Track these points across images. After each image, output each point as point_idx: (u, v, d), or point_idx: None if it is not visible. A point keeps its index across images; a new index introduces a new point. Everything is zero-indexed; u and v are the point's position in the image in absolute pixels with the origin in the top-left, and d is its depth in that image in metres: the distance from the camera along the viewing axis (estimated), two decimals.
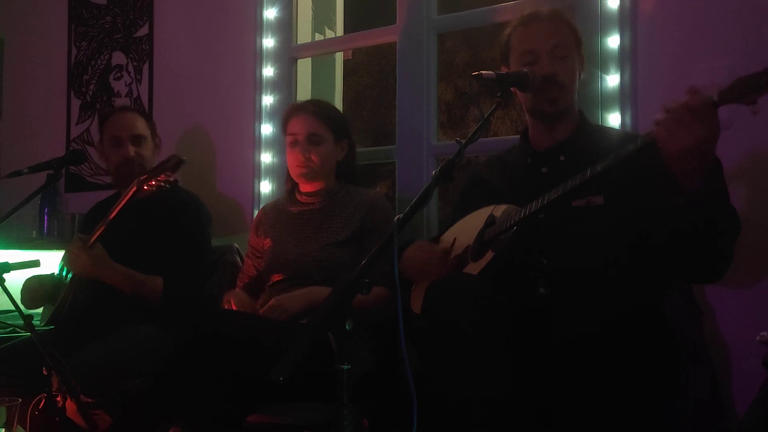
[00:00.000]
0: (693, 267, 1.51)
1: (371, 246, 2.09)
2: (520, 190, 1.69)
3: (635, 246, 1.58)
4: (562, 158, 1.76)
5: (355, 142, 2.34)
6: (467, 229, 1.78)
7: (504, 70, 1.82)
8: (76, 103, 3.47)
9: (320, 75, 3.36)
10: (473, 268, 1.68)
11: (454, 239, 1.82)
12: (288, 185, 2.37)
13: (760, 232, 1.88)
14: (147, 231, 2.41)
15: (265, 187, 2.84)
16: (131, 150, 2.48)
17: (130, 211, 2.25)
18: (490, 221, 1.71)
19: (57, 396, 1.80)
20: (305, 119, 2.22)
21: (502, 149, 2.01)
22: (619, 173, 1.51)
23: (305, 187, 2.29)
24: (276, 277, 2.21)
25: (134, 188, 2.19)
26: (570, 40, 1.77)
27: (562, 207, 1.61)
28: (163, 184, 2.16)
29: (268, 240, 2.29)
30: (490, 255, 1.65)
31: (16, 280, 2.06)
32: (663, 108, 1.36)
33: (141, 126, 2.54)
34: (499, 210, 1.70)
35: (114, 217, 2.20)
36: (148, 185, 2.17)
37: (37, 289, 2.38)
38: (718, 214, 1.41)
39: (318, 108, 2.26)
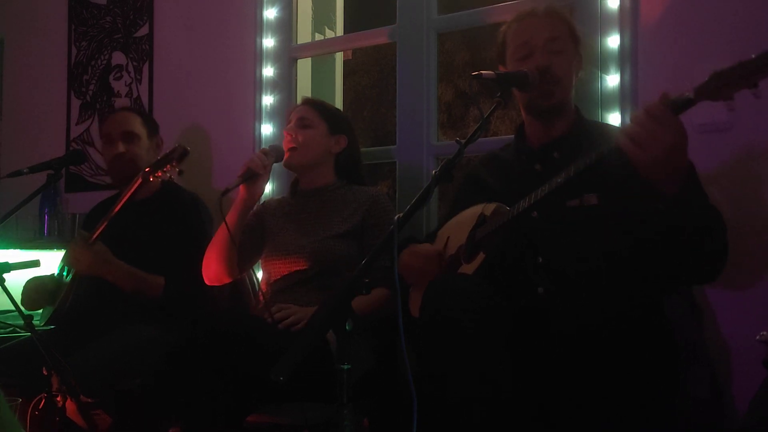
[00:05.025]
0: (686, 267, 1.51)
1: (371, 241, 2.10)
2: (514, 188, 1.68)
3: (631, 245, 1.58)
4: (556, 155, 1.75)
5: (356, 141, 2.34)
6: (460, 227, 1.78)
7: (501, 69, 1.82)
8: (76, 103, 3.47)
9: (320, 75, 3.35)
10: (467, 269, 1.68)
11: (447, 238, 1.81)
12: (292, 180, 2.38)
13: (760, 232, 1.88)
14: (148, 230, 2.41)
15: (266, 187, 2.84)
16: (121, 147, 2.49)
17: (132, 211, 2.26)
18: (481, 220, 1.70)
19: (57, 396, 1.80)
20: (299, 108, 2.30)
21: (497, 146, 2.01)
22: (613, 171, 1.51)
23: (306, 183, 2.30)
24: (275, 271, 2.21)
25: (140, 180, 2.18)
26: (566, 36, 1.76)
27: (555, 206, 1.61)
28: (169, 175, 2.15)
29: (267, 230, 2.29)
30: (482, 256, 1.65)
31: (16, 280, 2.06)
32: (631, 119, 1.35)
33: (134, 124, 2.54)
34: (489, 209, 1.69)
35: (115, 216, 2.20)
36: (154, 176, 2.16)
37: (38, 290, 2.39)
38: (699, 215, 1.41)
39: (314, 100, 2.34)
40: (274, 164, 2.19)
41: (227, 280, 2.25)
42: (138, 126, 2.55)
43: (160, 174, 2.15)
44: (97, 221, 2.28)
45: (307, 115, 2.25)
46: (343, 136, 2.28)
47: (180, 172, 2.16)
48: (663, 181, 1.38)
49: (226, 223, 2.07)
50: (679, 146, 1.33)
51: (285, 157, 2.22)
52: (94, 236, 2.21)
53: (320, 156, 2.25)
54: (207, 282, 2.25)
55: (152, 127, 2.62)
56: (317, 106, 2.29)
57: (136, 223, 2.39)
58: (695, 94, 1.28)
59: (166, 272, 2.33)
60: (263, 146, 2.85)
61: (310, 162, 2.24)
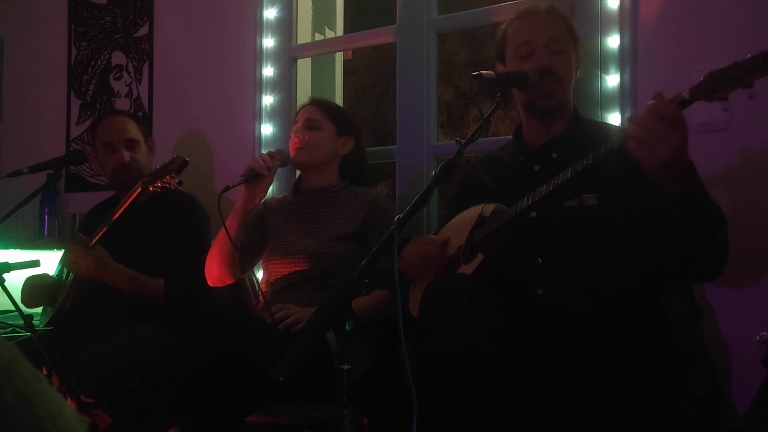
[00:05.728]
0: (688, 265, 1.51)
1: (372, 243, 2.10)
2: (512, 189, 1.68)
3: (631, 245, 1.58)
4: (554, 155, 1.75)
5: (363, 142, 2.34)
6: (459, 228, 1.78)
7: (499, 67, 1.82)
8: (76, 103, 3.47)
9: (320, 75, 3.35)
10: (466, 270, 1.68)
11: (448, 239, 1.81)
12: (294, 179, 2.39)
13: (760, 232, 1.88)
14: (146, 233, 2.41)
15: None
16: (126, 155, 2.49)
17: (129, 213, 2.25)
18: (480, 221, 1.70)
19: None
20: (307, 109, 2.29)
21: (497, 147, 2.01)
22: (612, 171, 1.50)
23: (309, 182, 2.30)
24: (275, 271, 2.20)
25: (139, 189, 2.18)
26: (566, 35, 1.76)
27: (554, 207, 1.61)
28: (168, 185, 2.16)
29: (269, 229, 2.29)
30: (480, 257, 1.65)
31: (16, 280, 2.06)
32: (633, 120, 1.33)
33: (133, 130, 2.54)
34: (488, 209, 1.69)
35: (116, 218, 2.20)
36: (153, 186, 2.17)
37: (38, 286, 2.39)
38: (700, 212, 1.41)
39: (321, 100, 2.34)
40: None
41: (230, 281, 2.24)
42: (137, 132, 2.56)
43: (159, 184, 2.15)
44: (95, 224, 2.27)
45: (314, 117, 2.24)
46: (351, 137, 2.28)
47: (179, 183, 2.17)
48: (666, 181, 1.37)
49: (225, 228, 2.06)
50: (684, 146, 1.33)
51: (292, 155, 2.22)
52: (94, 240, 2.21)
53: (327, 157, 2.25)
54: (210, 283, 2.25)
55: (146, 131, 2.64)
56: (325, 106, 2.29)
57: (135, 226, 2.38)
58: (690, 95, 1.28)
59: (165, 274, 2.33)
60: (263, 146, 2.85)
61: (317, 162, 2.25)
